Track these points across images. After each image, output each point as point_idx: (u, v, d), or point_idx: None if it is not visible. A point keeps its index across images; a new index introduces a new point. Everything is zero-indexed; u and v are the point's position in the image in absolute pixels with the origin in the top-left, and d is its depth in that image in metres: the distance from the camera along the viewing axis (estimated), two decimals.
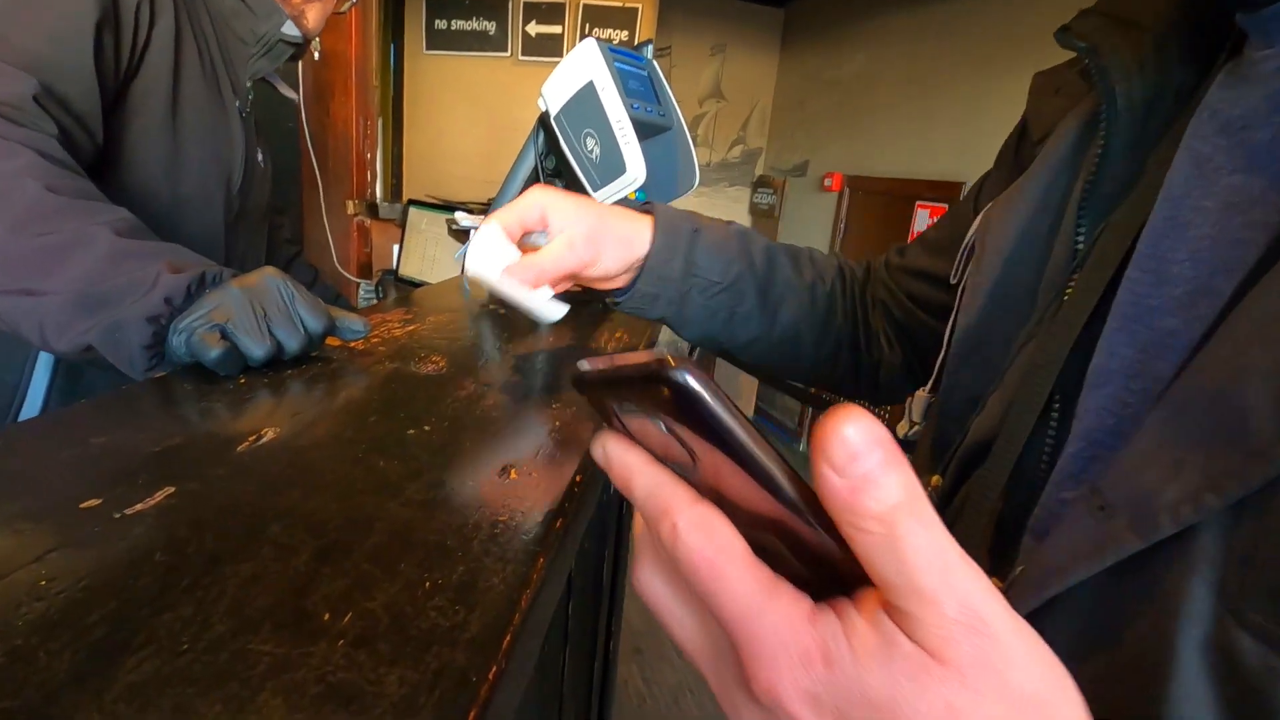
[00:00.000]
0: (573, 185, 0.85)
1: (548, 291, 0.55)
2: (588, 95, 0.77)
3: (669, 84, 1.02)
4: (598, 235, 0.58)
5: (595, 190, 0.78)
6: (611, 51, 0.80)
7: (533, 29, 3.51)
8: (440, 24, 3.65)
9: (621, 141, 0.74)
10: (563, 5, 3.42)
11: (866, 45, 3.89)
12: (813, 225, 4.32)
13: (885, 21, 3.74)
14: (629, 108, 0.76)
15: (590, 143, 0.77)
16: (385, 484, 0.36)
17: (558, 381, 0.56)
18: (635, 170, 0.74)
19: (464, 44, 3.64)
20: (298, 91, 1.39)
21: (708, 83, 4.70)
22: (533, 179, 0.91)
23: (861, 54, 3.93)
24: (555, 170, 0.87)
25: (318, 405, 0.45)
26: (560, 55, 3.76)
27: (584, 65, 0.78)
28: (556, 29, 3.46)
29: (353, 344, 0.59)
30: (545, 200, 0.57)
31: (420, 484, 0.36)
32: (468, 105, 3.76)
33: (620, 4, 3.36)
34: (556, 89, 0.81)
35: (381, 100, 3.66)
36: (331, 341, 0.59)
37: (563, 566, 0.37)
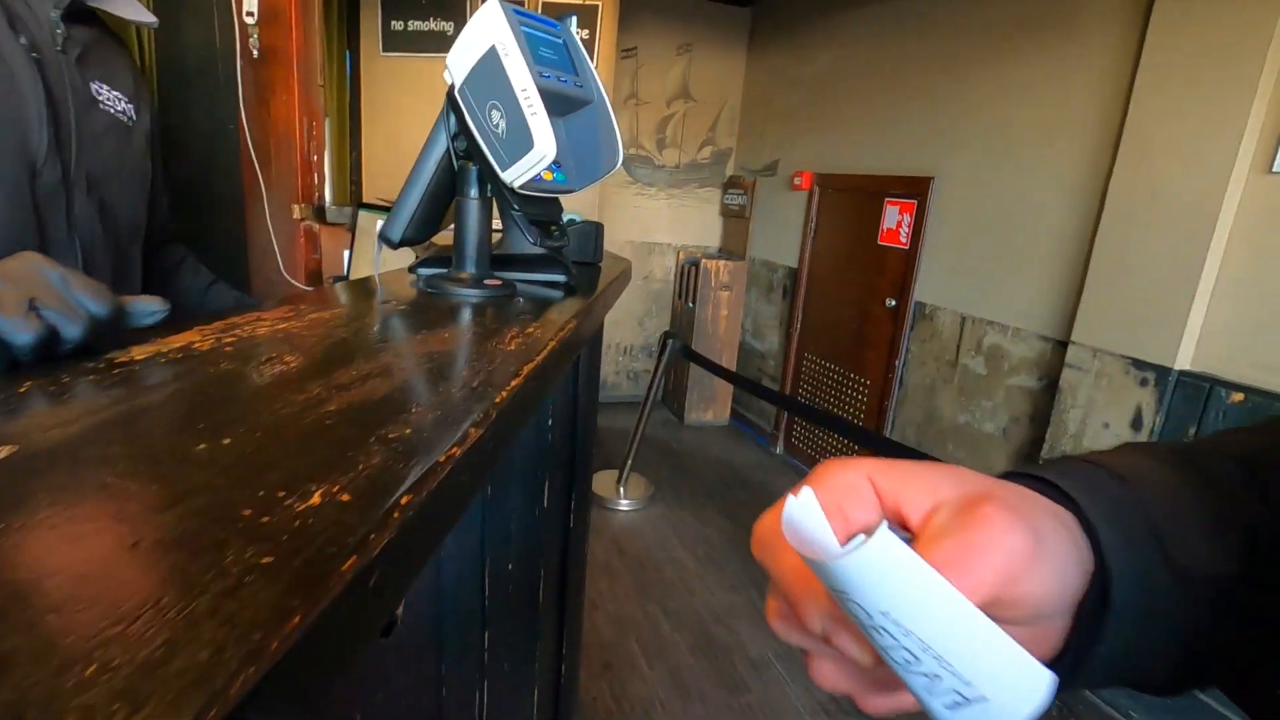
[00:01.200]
0: (483, 169, 0.76)
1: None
2: (490, 62, 0.68)
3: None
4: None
5: (504, 169, 0.70)
6: (518, 14, 0.72)
7: None
8: (397, 25, 3.55)
9: (528, 112, 0.66)
10: (520, 5, 3.34)
11: (832, 42, 3.86)
12: (784, 224, 4.27)
13: (851, 17, 3.71)
14: (537, 75, 0.68)
15: (495, 115, 0.69)
16: (122, 515, 0.27)
17: (427, 386, 0.48)
18: (544, 144, 0.66)
19: (421, 45, 3.55)
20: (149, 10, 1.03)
21: (675, 83, 4.65)
22: (445, 164, 0.82)
23: (828, 51, 3.90)
24: (466, 153, 0.78)
25: (94, 414, 0.36)
26: None
27: (486, 29, 0.69)
28: None
29: (196, 345, 0.50)
30: (874, 471, 0.30)
31: (172, 515, 0.27)
32: (426, 107, 3.65)
33: (580, 2, 3.29)
34: (460, 58, 0.73)
35: (338, 103, 3.56)
36: (186, 338, 0.50)
37: (368, 618, 0.29)
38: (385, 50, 3.62)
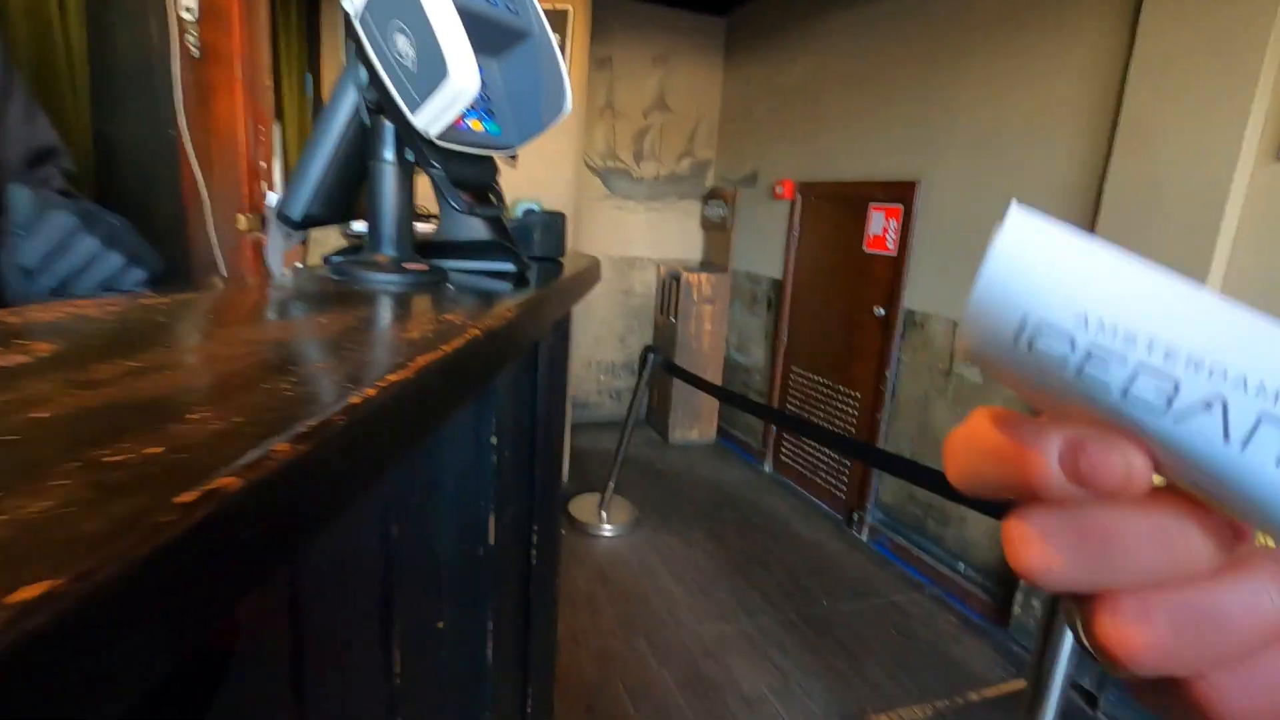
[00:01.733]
0: (399, 124, 0.61)
1: None
2: None
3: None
4: None
5: (414, 111, 0.55)
6: None
7: None
8: None
9: (440, 32, 0.50)
10: None
11: (809, 49, 3.77)
12: (766, 235, 4.15)
13: (827, 23, 3.63)
14: None
15: (402, 42, 0.53)
16: None
17: (242, 382, 0.31)
18: (461, 74, 0.50)
19: None
20: None
21: (651, 94, 4.55)
22: (355, 121, 0.66)
23: (804, 58, 3.82)
24: (378, 104, 0.63)
25: None
26: None
27: None
28: None
29: None
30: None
31: None
32: None
33: (550, 6, 3.17)
34: None
35: (299, 114, 3.40)
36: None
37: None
38: None
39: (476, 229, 0.78)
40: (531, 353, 0.98)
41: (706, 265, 4.79)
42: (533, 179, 3.34)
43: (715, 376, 4.56)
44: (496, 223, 0.78)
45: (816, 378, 3.77)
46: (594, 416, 4.86)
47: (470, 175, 0.63)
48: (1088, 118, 2.34)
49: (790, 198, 3.90)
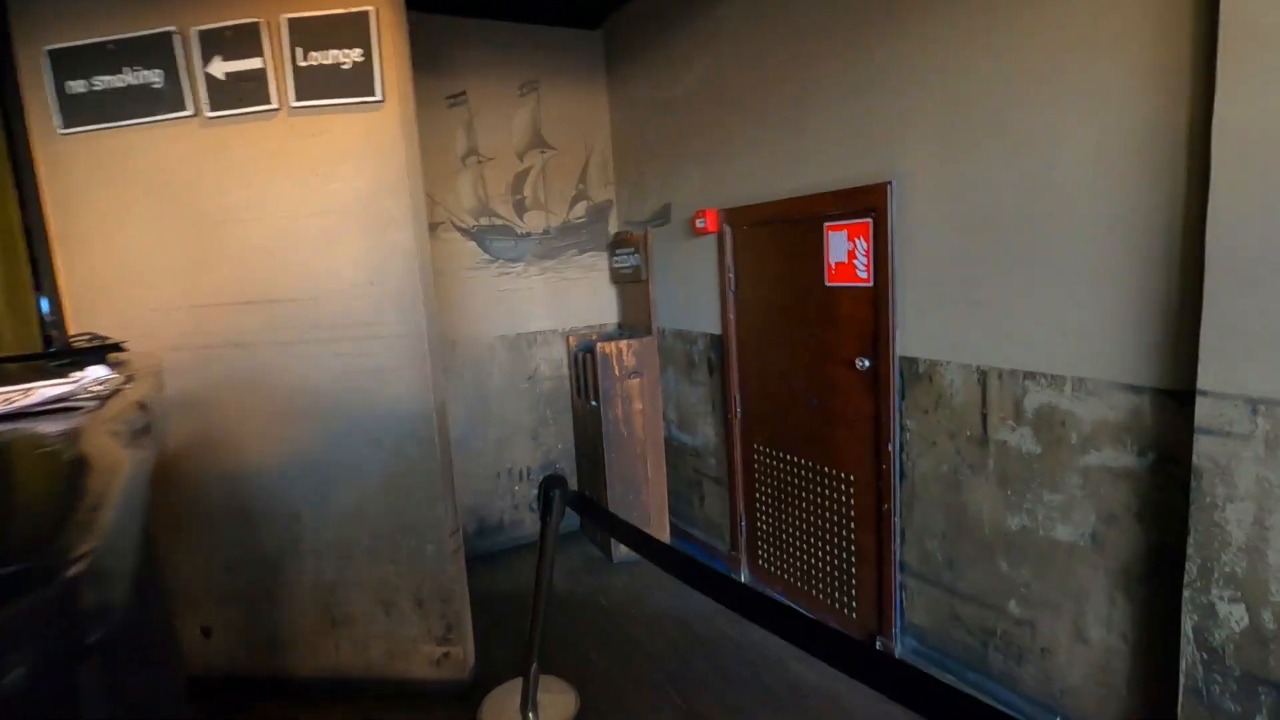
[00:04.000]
0: None
1: None
2: None
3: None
4: None
5: None
6: None
7: (219, 68, 2.33)
8: (76, 86, 2.40)
9: None
10: (256, 25, 2.27)
11: (704, 46, 2.98)
12: (694, 281, 3.28)
13: (722, 11, 2.85)
14: None
15: None
16: None
17: None
18: None
19: (121, 109, 2.40)
20: None
21: (524, 130, 3.67)
22: None
23: (701, 58, 3.02)
24: None
25: None
26: (268, 100, 2.61)
27: None
28: (255, 62, 2.31)
29: None
30: None
31: None
32: (147, 198, 2.50)
33: (343, 9, 2.25)
34: None
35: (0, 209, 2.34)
36: None
37: None
38: (67, 126, 2.45)
39: None
40: None
41: (627, 329, 3.88)
42: (352, 258, 2.36)
43: (657, 464, 3.59)
44: None
45: (790, 457, 2.85)
46: (511, 540, 3.79)
47: None
48: (1153, 41, 1.55)
49: (715, 230, 3.04)
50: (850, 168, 2.36)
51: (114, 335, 2.70)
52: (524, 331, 3.76)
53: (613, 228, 3.92)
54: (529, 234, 3.73)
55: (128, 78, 2.32)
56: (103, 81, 2.33)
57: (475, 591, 2.69)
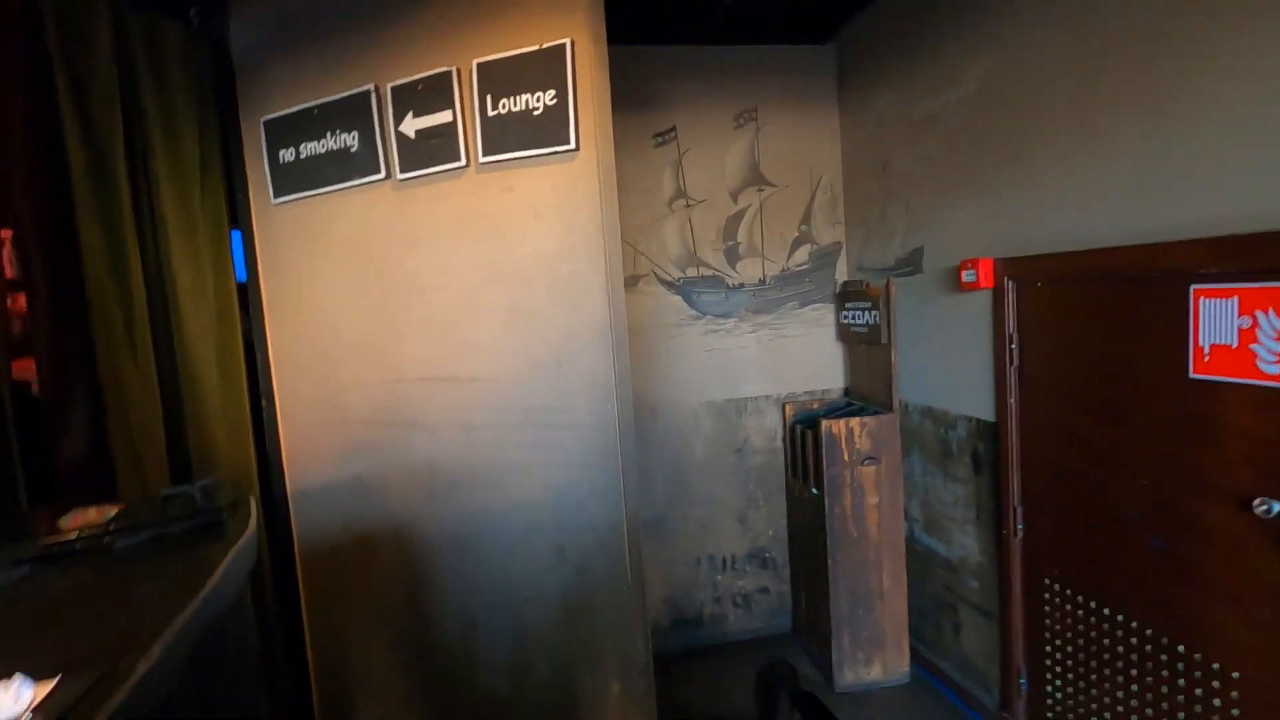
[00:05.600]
0: None
1: None
2: None
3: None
4: None
5: None
6: None
7: (410, 126, 2.13)
8: (286, 155, 2.34)
9: None
10: (448, 75, 2.03)
11: (983, 45, 2.27)
12: (957, 347, 2.53)
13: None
14: None
15: None
16: None
17: None
18: None
19: (322, 175, 2.30)
20: None
21: (739, 167, 3.19)
22: None
23: (977, 61, 2.30)
24: None
25: None
26: (457, 157, 2.36)
27: None
28: (444, 116, 2.07)
29: None
30: None
31: None
32: (343, 266, 2.39)
33: (536, 45, 1.93)
34: None
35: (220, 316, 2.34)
36: None
37: None
38: (278, 195, 2.42)
39: None
40: None
41: (858, 399, 3.20)
42: (538, 332, 2.02)
43: (895, 576, 2.85)
44: None
45: (1110, 614, 2.00)
46: (711, 637, 3.26)
47: None
48: None
49: (989, 285, 2.29)
50: (1250, 199, 1.52)
51: (308, 409, 2.66)
52: (733, 397, 3.25)
53: (841, 276, 3.28)
54: (741, 285, 3.22)
55: (329, 142, 2.21)
56: (308, 149, 2.24)
57: (666, 706, 2.20)
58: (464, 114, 1.99)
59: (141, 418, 2.04)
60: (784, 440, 3.25)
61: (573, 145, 1.88)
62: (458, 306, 2.11)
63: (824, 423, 2.77)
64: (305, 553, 2.50)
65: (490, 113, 1.95)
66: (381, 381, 2.26)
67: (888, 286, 2.82)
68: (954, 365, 2.56)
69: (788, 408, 3.21)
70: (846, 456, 2.81)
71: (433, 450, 2.20)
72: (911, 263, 2.77)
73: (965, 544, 2.60)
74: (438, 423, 2.19)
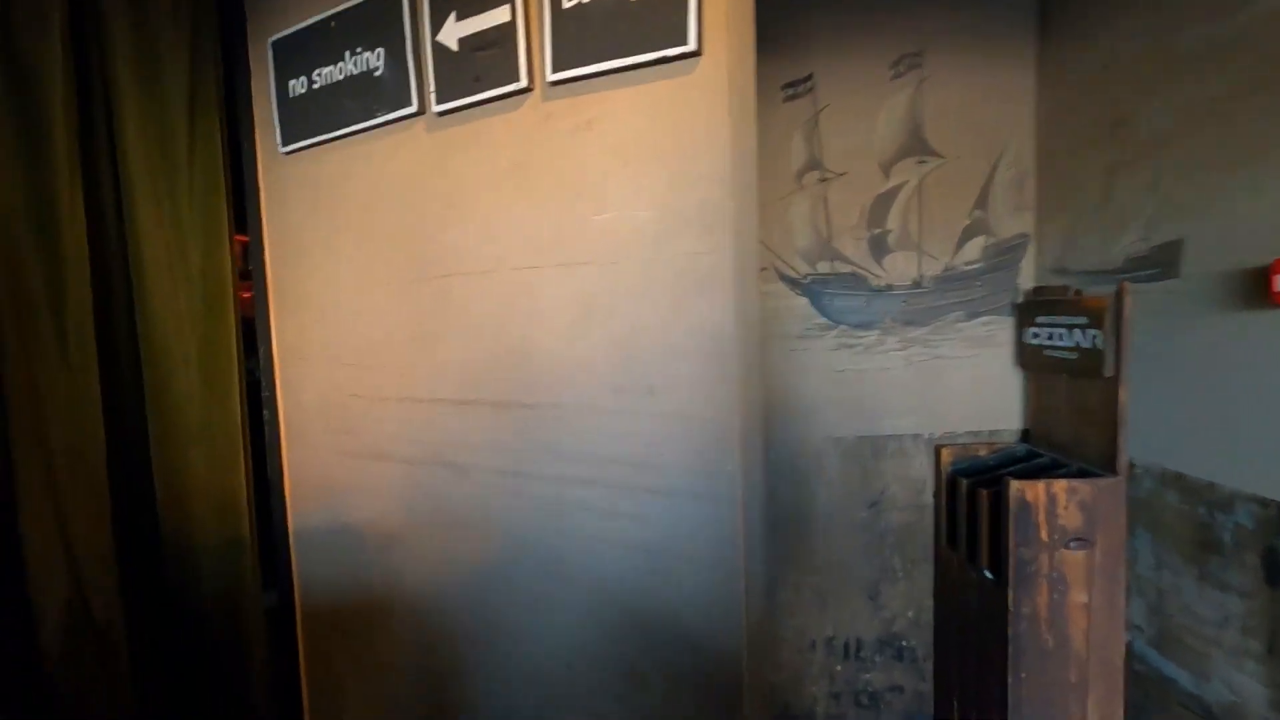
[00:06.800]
0: None
1: None
2: None
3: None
4: None
5: None
6: None
7: (452, 33, 1.49)
8: (297, 86, 1.75)
9: None
10: None
11: None
12: (1251, 398, 1.67)
13: None
14: None
15: None
16: None
17: None
18: None
19: (338, 112, 1.69)
20: None
21: (895, 131, 2.41)
22: None
23: None
24: None
25: None
26: (515, 76, 1.64)
27: None
28: (500, 14, 1.42)
29: None
30: None
31: None
32: (361, 239, 1.79)
33: None
34: None
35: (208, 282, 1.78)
36: None
37: None
38: (286, 143, 1.85)
39: None
40: None
41: (1046, 446, 2.35)
42: (619, 343, 1.34)
43: (1106, 706, 2.01)
44: None
45: None
46: None
47: None
48: None
49: None
50: None
51: (316, 428, 2.08)
52: (869, 434, 2.47)
53: (1027, 279, 2.44)
54: (889, 287, 2.44)
55: (348, 65, 1.60)
56: (323, 75, 1.64)
57: None
58: (527, 9, 1.33)
59: (71, 438, 1.48)
60: (937, 495, 2.44)
61: (691, 46, 1.18)
62: (508, 297, 1.46)
63: (1014, 483, 1.96)
64: (308, 610, 1.92)
65: (566, 2, 1.28)
66: (405, 400, 1.64)
67: (1120, 296, 1.97)
68: (1235, 417, 1.70)
69: (944, 452, 2.40)
70: (1045, 534, 1.98)
71: (465, 499, 1.56)
72: (1158, 263, 1.92)
73: (1238, 685, 1.73)
74: (473, 462, 1.54)
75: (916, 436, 2.48)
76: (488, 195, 1.47)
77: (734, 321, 1.24)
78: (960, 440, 2.46)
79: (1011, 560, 2.00)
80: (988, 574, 2.11)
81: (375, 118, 1.59)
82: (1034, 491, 1.99)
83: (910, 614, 2.52)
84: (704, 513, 1.26)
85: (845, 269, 2.43)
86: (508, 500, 1.50)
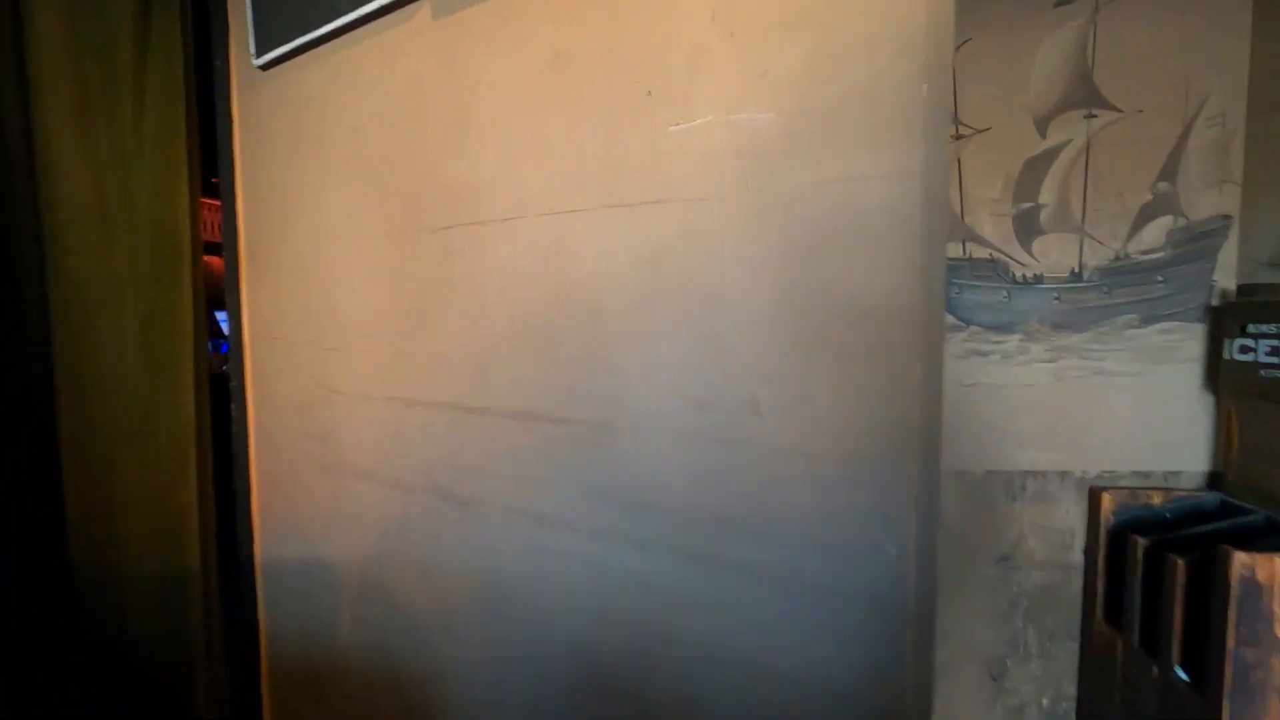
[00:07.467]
0: None
1: None
2: None
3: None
4: None
5: None
6: None
7: None
8: None
9: None
10: None
11: None
12: None
13: None
14: None
15: None
16: None
17: None
18: None
19: (324, 3, 1.30)
20: None
21: (1057, 75, 1.85)
22: None
23: None
24: None
25: None
26: None
27: None
28: None
29: None
30: None
31: None
32: (349, 177, 1.35)
33: None
34: None
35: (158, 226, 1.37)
36: None
37: None
38: (261, 53, 1.42)
39: None
40: None
41: (1250, 496, 1.77)
42: (717, 340, 0.84)
43: None
44: None
45: None
46: None
47: None
48: None
49: None
50: None
51: (286, 430, 1.62)
52: (1001, 468, 1.92)
53: (1229, 277, 1.86)
54: (1038, 278, 1.88)
55: None
56: None
57: None
58: None
59: None
60: (1090, 553, 1.89)
61: None
62: (536, 259, 0.99)
63: (1239, 555, 1.40)
64: (275, 665, 1.50)
65: None
66: (394, 400, 1.19)
67: None
68: None
69: (1105, 498, 1.84)
70: (1265, 620, 1.42)
71: (468, 546, 1.10)
72: None
73: None
74: (480, 494, 1.08)
75: (1064, 475, 1.92)
76: (514, 105, 1.00)
77: (919, 299, 0.75)
78: (1125, 483, 1.89)
79: (1228, 662, 1.43)
80: (1180, 673, 1.54)
81: (368, 3, 1.15)
82: (1268, 569, 1.42)
83: (1045, 702, 1.96)
84: (845, 623, 0.77)
85: (981, 253, 1.88)
86: (526, 557, 1.04)
